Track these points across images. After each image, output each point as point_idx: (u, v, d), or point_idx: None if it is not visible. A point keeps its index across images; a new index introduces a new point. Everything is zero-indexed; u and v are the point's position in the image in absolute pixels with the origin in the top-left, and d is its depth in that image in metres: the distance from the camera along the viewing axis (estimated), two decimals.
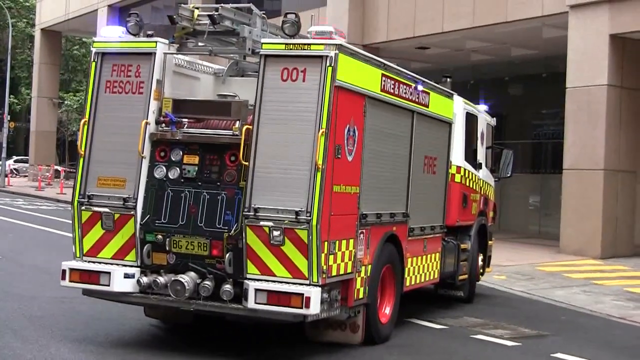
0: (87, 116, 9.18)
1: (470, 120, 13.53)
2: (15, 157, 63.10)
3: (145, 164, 8.96)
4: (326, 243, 8.33)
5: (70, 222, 9.19)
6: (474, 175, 13.58)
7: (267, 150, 8.42)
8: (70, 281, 9.00)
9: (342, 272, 8.74)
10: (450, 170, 12.47)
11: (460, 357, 9.90)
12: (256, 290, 8.25)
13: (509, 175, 15.67)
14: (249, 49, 9.21)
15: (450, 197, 12.40)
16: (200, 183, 8.83)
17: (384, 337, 9.97)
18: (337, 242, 8.60)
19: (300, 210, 8.19)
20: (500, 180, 15.68)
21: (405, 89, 10.28)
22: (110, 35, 9.37)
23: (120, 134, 9.02)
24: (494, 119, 15.28)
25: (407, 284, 10.75)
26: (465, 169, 13.14)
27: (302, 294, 8.11)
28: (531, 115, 30.62)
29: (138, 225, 8.85)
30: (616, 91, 21.07)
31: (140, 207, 8.88)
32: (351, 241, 8.95)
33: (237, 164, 8.68)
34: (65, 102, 57.79)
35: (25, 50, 63.32)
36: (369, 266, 9.44)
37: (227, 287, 8.49)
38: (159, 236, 8.82)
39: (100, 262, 8.97)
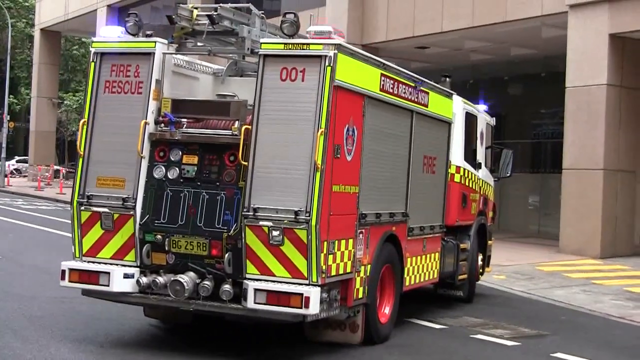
0: (86, 116, 9.18)
1: (470, 120, 13.53)
2: (17, 158, 63.13)
3: (144, 164, 8.96)
4: (325, 243, 8.33)
5: (70, 222, 9.19)
6: (473, 175, 13.58)
7: (266, 150, 8.42)
8: (70, 281, 9.01)
9: (341, 272, 8.74)
10: (450, 170, 12.47)
11: (460, 357, 9.90)
12: (255, 290, 8.25)
13: (508, 175, 15.67)
14: (248, 49, 9.20)
15: (450, 197, 12.40)
16: (199, 183, 8.83)
17: (384, 337, 9.97)
18: (337, 242, 8.60)
19: (299, 210, 8.19)
20: (499, 180, 15.68)
21: (404, 88, 10.27)
22: (109, 35, 9.37)
23: (119, 134, 9.02)
24: (494, 118, 15.28)
25: (407, 283, 10.75)
26: (464, 169, 13.14)
27: (302, 294, 8.11)
28: (531, 115, 30.62)
29: (137, 225, 8.85)
30: (616, 91, 21.06)
31: (140, 207, 8.88)
32: (350, 241, 8.95)
33: (236, 163, 8.68)
34: (65, 102, 57.83)
35: (25, 50, 63.33)
36: (369, 266, 9.44)
37: (227, 287, 8.49)
38: (158, 236, 8.82)
39: (99, 262, 8.97)
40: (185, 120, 9.07)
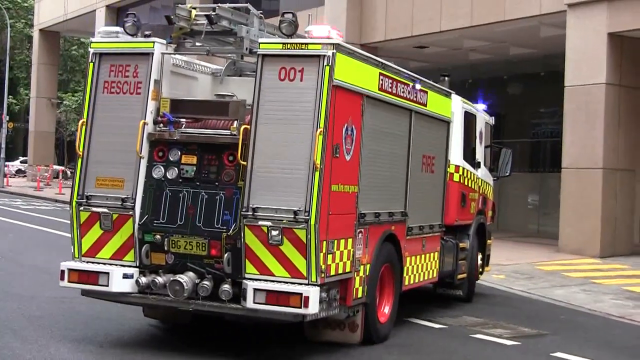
0: (85, 117, 9.18)
1: (469, 119, 13.53)
2: (21, 158, 63.12)
3: (143, 164, 8.95)
4: (325, 242, 8.32)
5: (69, 222, 9.19)
6: (472, 175, 13.58)
7: (265, 150, 8.42)
8: (69, 281, 9.00)
9: (340, 271, 8.74)
10: (449, 169, 12.47)
11: (459, 357, 9.90)
12: (255, 290, 8.24)
13: (507, 174, 15.67)
14: (247, 49, 9.20)
15: (449, 196, 12.40)
16: (198, 183, 8.83)
17: (383, 337, 9.97)
18: (336, 241, 8.60)
19: (298, 210, 8.19)
20: (499, 179, 15.67)
21: (403, 88, 10.28)
22: (108, 35, 9.37)
23: (118, 134, 9.02)
24: (493, 117, 15.28)
25: (406, 283, 10.76)
26: (463, 168, 13.14)
27: (301, 294, 8.11)
28: (530, 114, 30.61)
29: (136, 226, 8.85)
30: (615, 90, 21.07)
31: (139, 207, 8.88)
32: (350, 240, 8.95)
33: (235, 163, 8.68)
34: (64, 102, 57.86)
35: (24, 51, 63.33)
36: (368, 265, 9.44)
37: (226, 287, 8.49)
38: (158, 236, 8.82)
39: (98, 263, 8.97)
40: (184, 120, 9.08)
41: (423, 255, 11.35)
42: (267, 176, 8.37)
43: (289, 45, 8.51)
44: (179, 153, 8.96)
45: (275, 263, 8.31)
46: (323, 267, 8.30)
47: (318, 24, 8.95)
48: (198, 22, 9.11)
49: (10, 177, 53.85)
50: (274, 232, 8.26)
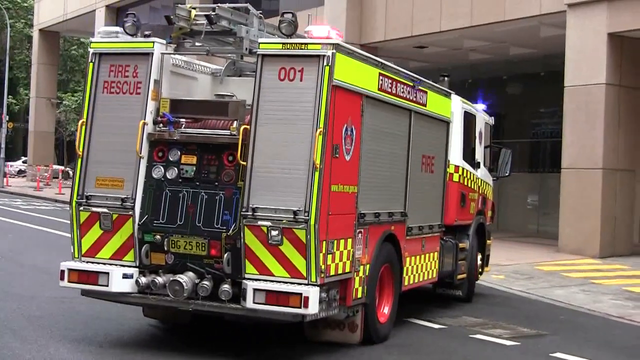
0: (85, 117, 9.18)
1: (469, 119, 13.53)
2: (23, 158, 63.10)
3: (143, 164, 8.96)
4: (324, 242, 8.33)
5: (69, 222, 9.19)
6: (472, 175, 13.58)
7: (265, 150, 8.42)
8: (69, 281, 9.01)
9: (340, 271, 8.74)
10: (449, 169, 12.47)
11: (459, 357, 9.90)
12: (255, 290, 8.25)
13: (507, 174, 15.66)
14: (246, 49, 9.20)
15: (449, 196, 12.40)
16: (198, 183, 8.83)
17: (383, 337, 9.97)
18: (336, 241, 8.60)
19: (298, 210, 8.19)
20: (498, 179, 15.68)
21: (402, 88, 10.28)
22: (108, 35, 9.37)
23: (118, 134, 9.02)
24: (492, 117, 15.28)
25: (406, 283, 10.76)
26: (463, 168, 13.14)
27: (301, 294, 8.12)
28: (529, 114, 30.61)
29: (136, 226, 8.85)
30: (614, 90, 21.07)
31: (139, 208, 8.88)
32: (349, 241, 8.95)
33: (235, 163, 8.68)
34: (64, 102, 57.85)
35: (24, 51, 63.31)
36: (368, 266, 9.44)
37: (226, 287, 8.49)
38: (157, 236, 8.82)
39: (98, 263, 8.97)
40: (183, 120, 9.08)
41: (423, 256, 11.35)
42: (267, 176, 8.37)
43: (288, 45, 8.52)
44: (179, 153, 8.96)
45: (275, 263, 8.32)
46: (323, 267, 8.31)
47: (318, 24, 8.95)
48: (198, 22, 9.12)
49: (12, 177, 53.97)
50: (274, 232, 8.26)
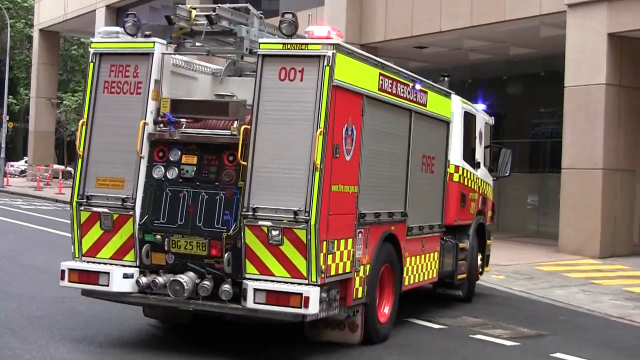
0: (85, 117, 9.18)
1: (469, 119, 13.53)
2: (25, 158, 63.04)
3: (143, 164, 8.96)
4: (325, 243, 8.33)
5: (69, 222, 9.19)
6: (472, 175, 13.59)
7: (265, 150, 8.42)
8: (70, 281, 9.01)
9: (340, 271, 8.75)
10: (449, 169, 12.47)
11: (459, 357, 9.90)
12: (255, 290, 8.25)
13: (507, 174, 15.67)
14: (247, 49, 9.20)
15: (449, 197, 12.40)
16: (198, 183, 8.83)
17: (383, 337, 9.98)
18: (336, 241, 8.61)
19: (298, 210, 8.19)
20: (498, 179, 15.68)
21: (403, 88, 10.28)
22: (108, 35, 9.37)
23: (118, 134, 9.02)
24: (492, 118, 15.28)
25: (406, 283, 10.76)
26: (463, 168, 13.15)
27: (301, 294, 8.12)
28: (529, 115, 30.61)
29: (137, 226, 8.86)
30: (614, 90, 21.07)
31: (139, 207, 8.89)
32: (350, 241, 8.95)
33: (235, 163, 8.68)
34: (64, 102, 57.85)
35: (24, 51, 63.34)
36: (368, 266, 9.45)
37: (226, 287, 8.50)
38: (158, 236, 8.82)
39: (99, 262, 8.97)
40: (184, 120, 9.08)
41: (423, 256, 11.35)
42: (267, 176, 8.37)
43: (289, 45, 8.52)
44: (179, 153, 8.96)
45: (276, 263, 8.32)
46: (323, 267, 8.31)
47: (318, 24, 8.96)
48: (198, 22, 9.12)
49: (16, 177, 53.99)
50: (274, 232, 8.27)
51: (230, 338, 9.96)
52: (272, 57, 8.55)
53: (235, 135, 8.70)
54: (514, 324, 11.83)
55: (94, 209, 8.97)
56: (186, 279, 8.57)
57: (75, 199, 9.06)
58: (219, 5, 9.08)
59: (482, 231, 14.25)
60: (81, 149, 9.10)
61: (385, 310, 10.15)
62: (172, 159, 8.97)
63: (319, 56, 8.38)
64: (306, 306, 8.10)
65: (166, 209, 8.85)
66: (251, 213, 8.34)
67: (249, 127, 8.51)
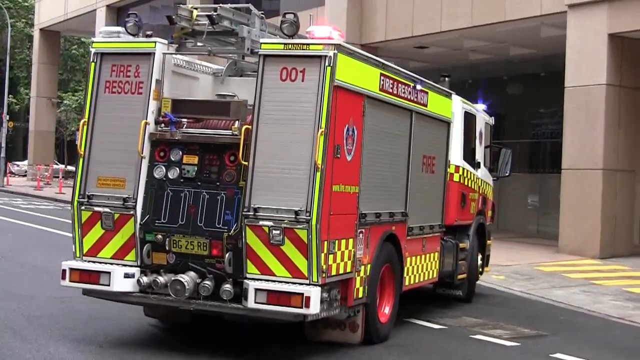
0: (86, 116, 9.19)
1: (469, 119, 13.54)
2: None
3: (144, 164, 8.97)
4: (326, 242, 8.34)
5: (70, 221, 9.20)
6: (472, 175, 13.59)
7: (266, 150, 8.43)
8: (70, 281, 9.02)
9: (341, 271, 8.76)
10: (449, 169, 12.48)
11: (459, 357, 9.91)
12: (256, 289, 8.25)
13: (507, 174, 15.68)
14: (248, 49, 9.21)
15: (449, 197, 12.41)
16: (199, 183, 8.84)
17: (383, 337, 9.98)
18: (337, 241, 8.61)
19: (299, 210, 8.20)
20: (498, 179, 15.69)
21: (403, 88, 10.29)
22: (110, 35, 9.38)
23: (119, 134, 9.03)
24: (493, 118, 15.29)
25: (406, 283, 10.77)
26: (463, 169, 13.16)
27: (302, 294, 8.12)
28: (530, 115, 30.63)
29: (138, 225, 8.86)
30: (615, 90, 21.08)
31: (140, 207, 8.89)
32: (350, 241, 8.96)
33: (236, 163, 8.69)
34: (64, 101, 57.84)
35: (24, 50, 63.32)
36: (368, 266, 9.46)
37: (227, 286, 8.50)
38: (159, 236, 8.83)
39: (100, 262, 8.97)
40: (185, 120, 9.09)
41: (423, 256, 11.36)
42: (269, 176, 8.38)
43: (290, 45, 8.52)
44: (181, 153, 8.97)
45: (277, 263, 8.33)
46: (324, 267, 8.32)
47: (318, 24, 8.96)
48: (199, 22, 9.13)
49: (19, 176, 53.88)
50: (275, 232, 8.27)
51: (230, 338, 9.96)
52: (274, 57, 8.56)
53: (236, 135, 8.70)
54: (514, 324, 11.84)
55: (95, 208, 8.98)
56: (187, 278, 8.58)
57: (76, 198, 9.07)
58: (220, 5, 9.10)
59: (482, 231, 14.26)
60: (82, 148, 9.11)
61: (386, 310, 10.16)
62: (173, 159, 8.98)
63: (320, 56, 8.38)
64: (307, 306, 8.11)
65: (167, 208, 8.86)
66: (252, 213, 8.35)
67: (250, 127, 8.51)
